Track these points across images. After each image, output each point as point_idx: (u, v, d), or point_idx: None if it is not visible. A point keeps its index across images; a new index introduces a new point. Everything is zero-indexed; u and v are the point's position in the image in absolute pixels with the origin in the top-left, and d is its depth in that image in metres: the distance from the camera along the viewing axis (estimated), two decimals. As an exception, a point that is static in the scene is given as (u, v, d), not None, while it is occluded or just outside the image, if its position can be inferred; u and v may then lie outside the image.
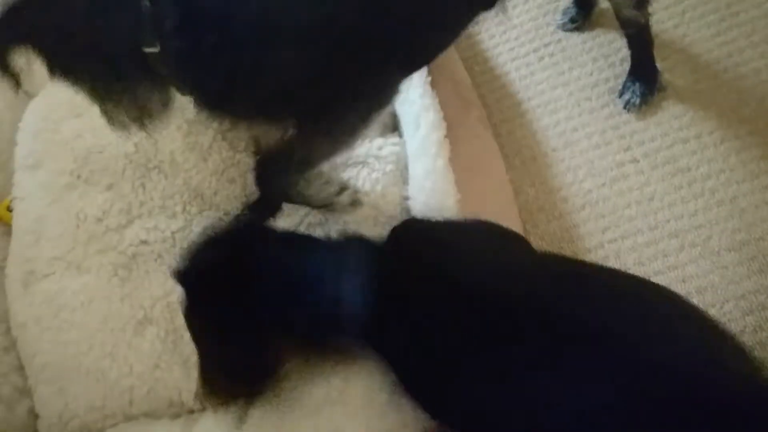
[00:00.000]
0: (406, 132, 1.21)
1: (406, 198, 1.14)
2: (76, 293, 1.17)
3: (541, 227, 1.37)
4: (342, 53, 0.85)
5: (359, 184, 1.15)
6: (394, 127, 1.28)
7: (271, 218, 1.19)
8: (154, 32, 0.83)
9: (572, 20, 1.55)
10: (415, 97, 1.17)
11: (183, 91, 0.93)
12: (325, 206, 1.06)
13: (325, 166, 1.08)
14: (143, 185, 1.25)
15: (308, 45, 0.83)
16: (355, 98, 0.92)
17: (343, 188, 1.07)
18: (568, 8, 1.56)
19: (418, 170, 1.14)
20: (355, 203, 1.08)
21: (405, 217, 1.13)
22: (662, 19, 1.47)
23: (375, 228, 1.12)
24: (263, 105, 0.91)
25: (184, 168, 1.24)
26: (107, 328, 1.13)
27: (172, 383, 1.09)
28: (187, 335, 1.10)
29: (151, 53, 0.84)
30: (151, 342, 1.11)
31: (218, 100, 0.92)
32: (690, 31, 1.48)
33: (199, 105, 0.96)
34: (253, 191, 1.24)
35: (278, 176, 1.01)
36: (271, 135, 1.16)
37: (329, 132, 0.95)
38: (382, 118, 1.16)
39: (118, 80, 0.90)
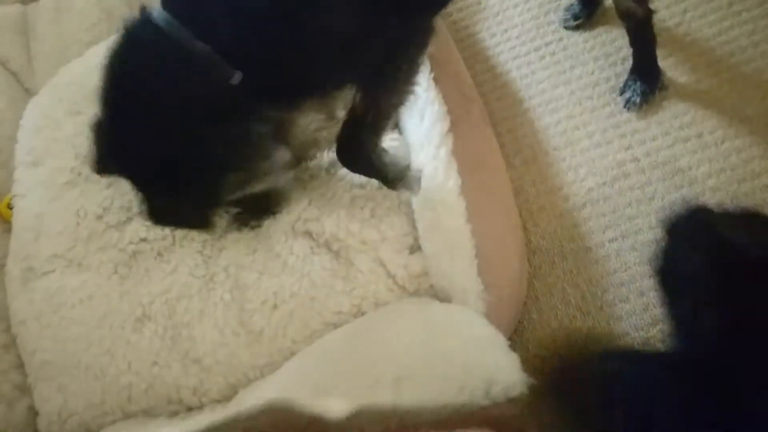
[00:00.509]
0: (410, 124, 1.21)
1: (403, 192, 1.14)
2: (76, 290, 1.17)
3: (542, 226, 1.37)
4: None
5: (355, 178, 1.15)
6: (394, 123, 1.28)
7: (272, 216, 1.18)
8: (224, 64, 0.85)
9: (575, 17, 1.54)
10: (419, 91, 1.18)
11: (277, 107, 0.96)
12: (397, 179, 1.10)
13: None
14: (143, 183, 1.25)
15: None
16: (399, 42, 0.96)
17: (410, 166, 1.10)
18: (571, 5, 1.55)
19: (420, 158, 1.15)
20: (419, 184, 1.09)
21: (403, 210, 1.12)
22: (664, 17, 1.47)
23: (371, 220, 1.12)
24: (330, 75, 0.94)
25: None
26: (106, 325, 1.14)
27: (171, 380, 1.09)
28: (185, 332, 1.10)
29: (237, 84, 0.86)
30: (150, 339, 1.11)
31: (300, 85, 0.94)
32: (691, 30, 1.47)
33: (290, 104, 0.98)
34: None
35: (361, 142, 1.05)
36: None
37: (391, 81, 0.99)
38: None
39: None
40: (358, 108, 1.01)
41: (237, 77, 0.85)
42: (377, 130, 1.05)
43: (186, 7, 0.87)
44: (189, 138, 0.88)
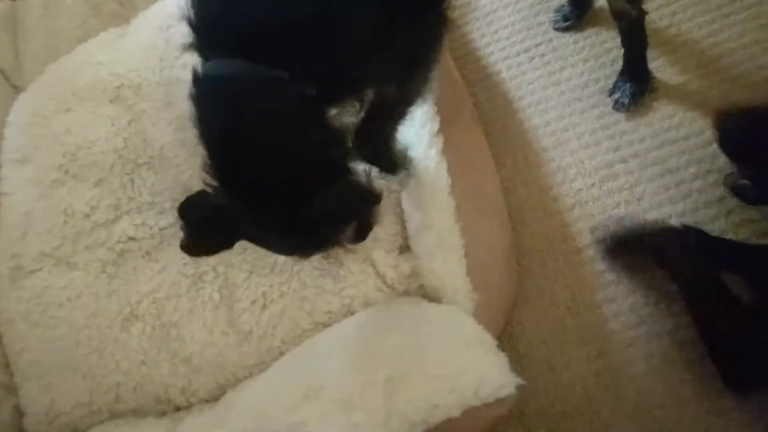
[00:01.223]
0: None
1: (393, 191, 1.14)
2: (64, 289, 1.17)
3: (532, 226, 1.38)
4: None
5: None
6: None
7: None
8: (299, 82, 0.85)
9: (565, 18, 1.55)
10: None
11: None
12: (399, 167, 1.13)
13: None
14: (132, 181, 1.24)
15: None
16: (422, 31, 0.99)
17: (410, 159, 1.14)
18: (562, 6, 1.56)
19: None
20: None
21: (393, 210, 1.12)
22: (654, 19, 1.47)
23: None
24: (372, 71, 0.96)
25: (173, 163, 1.24)
26: (94, 324, 1.13)
27: (159, 380, 1.09)
28: (174, 331, 1.10)
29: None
30: (138, 338, 1.11)
31: (349, 84, 0.96)
32: (681, 32, 1.48)
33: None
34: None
35: (385, 130, 1.09)
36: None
37: (416, 70, 1.02)
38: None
39: None
40: (389, 99, 1.03)
41: (313, 89, 0.86)
42: (402, 119, 1.08)
43: (238, 43, 0.85)
44: (314, 152, 0.88)
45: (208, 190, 0.90)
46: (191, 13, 0.88)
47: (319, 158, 0.89)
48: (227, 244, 0.97)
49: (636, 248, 1.25)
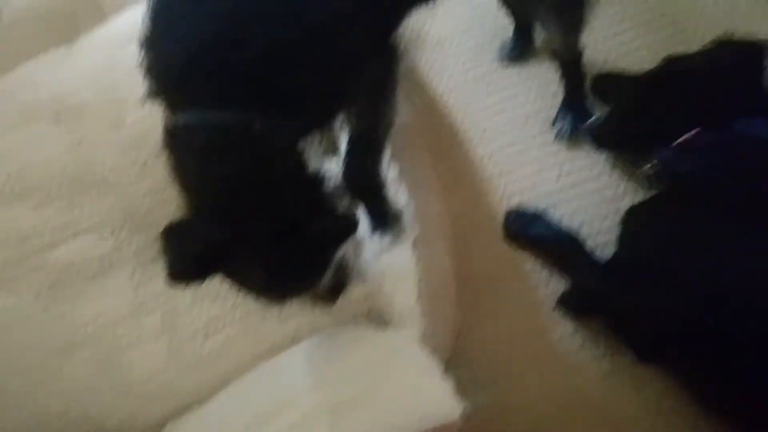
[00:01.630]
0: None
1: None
2: (0, 315, 1.12)
3: (480, 252, 1.41)
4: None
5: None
6: (334, 149, 1.29)
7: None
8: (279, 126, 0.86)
9: (510, 51, 1.60)
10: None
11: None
12: (394, 217, 1.13)
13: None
14: (74, 204, 1.21)
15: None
16: (381, 59, 1.02)
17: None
18: (507, 40, 1.61)
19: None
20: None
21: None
22: (591, 57, 1.53)
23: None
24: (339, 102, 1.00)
25: (118, 187, 1.21)
26: (34, 351, 1.10)
27: (100, 410, 1.06)
28: (115, 360, 1.07)
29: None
30: (79, 367, 1.08)
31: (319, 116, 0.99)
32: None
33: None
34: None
35: (370, 160, 1.10)
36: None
37: (382, 95, 1.05)
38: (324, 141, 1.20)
39: None
40: (366, 126, 1.06)
41: (285, 128, 0.88)
42: (382, 147, 1.10)
43: (206, 91, 0.86)
44: (294, 189, 0.89)
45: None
46: (149, 62, 0.88)
47: (300, 194, 0.90)
48: (201, 277, 0.93)
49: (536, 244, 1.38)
